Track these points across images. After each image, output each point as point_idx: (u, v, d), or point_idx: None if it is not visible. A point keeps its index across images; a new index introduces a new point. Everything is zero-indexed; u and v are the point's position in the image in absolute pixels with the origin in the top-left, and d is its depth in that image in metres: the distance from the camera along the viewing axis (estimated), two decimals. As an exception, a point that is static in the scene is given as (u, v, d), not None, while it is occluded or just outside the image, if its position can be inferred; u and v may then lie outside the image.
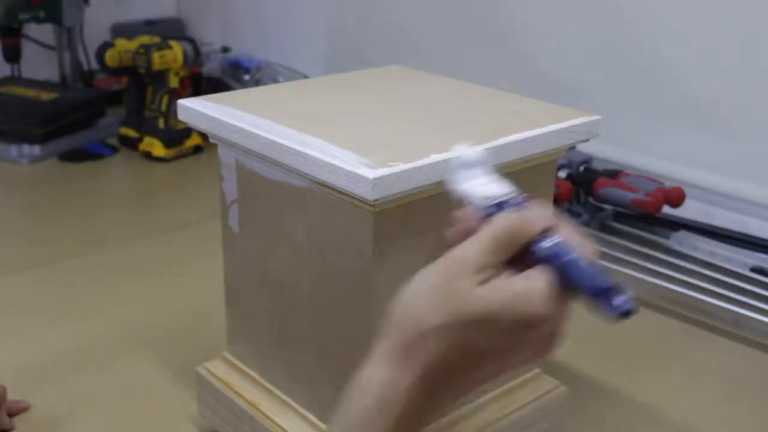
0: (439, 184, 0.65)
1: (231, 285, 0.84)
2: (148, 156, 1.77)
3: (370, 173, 0.59)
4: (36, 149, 1.75)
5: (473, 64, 1.65)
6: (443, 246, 0.68)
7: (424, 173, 0.63)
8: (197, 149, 1.81)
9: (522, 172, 0.74)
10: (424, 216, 0.67)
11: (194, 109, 0.77)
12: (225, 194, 0.80)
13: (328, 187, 0.64)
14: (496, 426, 0.78)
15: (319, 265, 0.70)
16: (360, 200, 0.62)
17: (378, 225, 0.63)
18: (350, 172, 0.61)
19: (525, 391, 0.83)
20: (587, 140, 0.75)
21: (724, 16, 1.30)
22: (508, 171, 0.71)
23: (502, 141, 0.68)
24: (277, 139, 0.67)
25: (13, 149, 1.74)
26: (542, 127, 0.72)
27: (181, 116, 0.79)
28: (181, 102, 0.79)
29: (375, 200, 0.60)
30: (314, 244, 0.70)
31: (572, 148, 1.36)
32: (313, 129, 0.70)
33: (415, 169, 0.62)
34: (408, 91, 0.84)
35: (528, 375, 0.84)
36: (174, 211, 1.55)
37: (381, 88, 0.85)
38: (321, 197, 0.67)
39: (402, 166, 0.61)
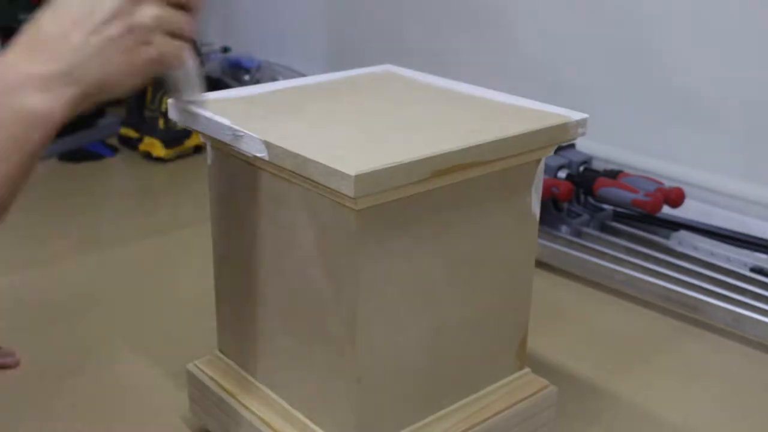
0: (423, 181, 0.65)
1: (220, 283, 0.84)
2: (148, 156, 1.77)
3: (353, 170, 0.59)
4: (36, 149, 1.75)
5: (473, 63, 1.65)
6: (426, 243, 0.68)
7: (407, 170, 0.62)
8: (197, 149, 1.81)
9: (507, 171, 0.73)
10: (406, 213, 0.67)
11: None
12: (214, 192, 0.80)
13: (312, 183, 0.64)
14: (482, 426, 0.78)
15: (304, 263, 0.70)
16: (343, 197, 0.62)
17: (360, 222, 0.63)
18: (333, 169, 0.60)
19: (513, 391, 0.82)
20: (575, 139, 0.75)
21: (724, 15, 1.29)
22: (493, 169, 0.71)
23: (484, 138, 0.68)
24: (260, 137, 0.67)
25: (14, 150, 1.74)
26: (527, 125, 0.71)
27: (171, 115, 0.79)
28: (171, 101, 0.79)
29: (357, 197, 0.60)
30: (299, 241, 0.69)
31: (571, 147, 1.37)
32: (297, 126, 0.70)
33: (398, 167, 0.62)
34: (395, 90, 0.84)
35: (516, 375, 0.83)
36: (174, 211, 1.55)
37: (368, 86, 0.85)
38: (305, 194, 0.67)
39: (385, 163, 0.61)
